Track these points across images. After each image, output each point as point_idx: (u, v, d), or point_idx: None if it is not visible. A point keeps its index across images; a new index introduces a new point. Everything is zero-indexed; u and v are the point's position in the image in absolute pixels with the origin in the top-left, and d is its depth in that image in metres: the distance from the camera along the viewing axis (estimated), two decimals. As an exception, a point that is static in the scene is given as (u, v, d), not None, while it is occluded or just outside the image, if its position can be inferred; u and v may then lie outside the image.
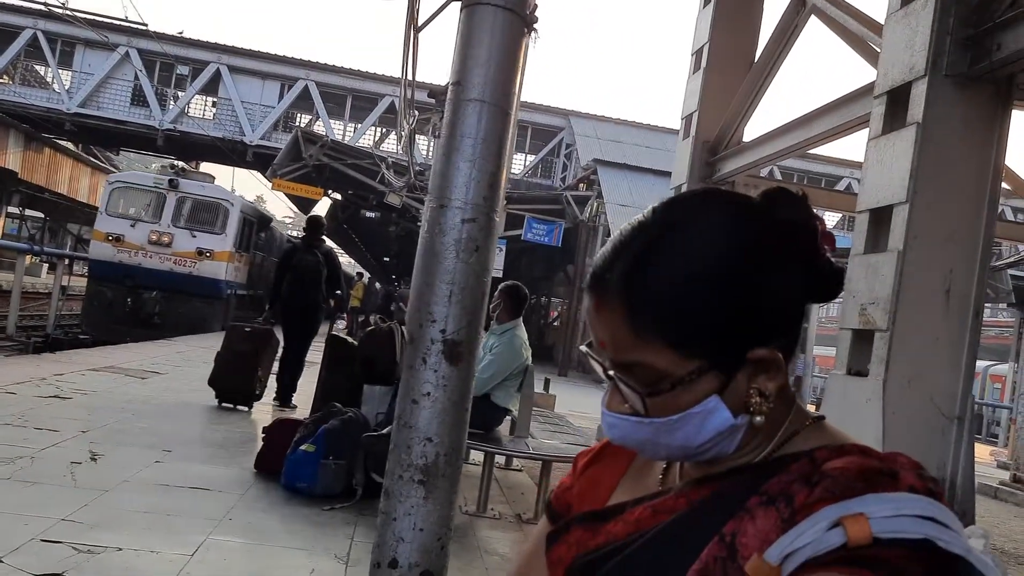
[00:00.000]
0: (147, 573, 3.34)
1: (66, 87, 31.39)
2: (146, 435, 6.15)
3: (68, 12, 19.33)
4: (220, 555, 3.71)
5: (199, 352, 13.26)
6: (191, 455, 5.78)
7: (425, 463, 3.23)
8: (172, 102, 32.05)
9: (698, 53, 8.93)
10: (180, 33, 30.33)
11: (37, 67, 32.95)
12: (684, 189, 9.11)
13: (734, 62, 8.41)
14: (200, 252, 18.09)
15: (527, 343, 5.68)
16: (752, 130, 11.41)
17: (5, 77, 31.65)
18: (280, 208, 76.20)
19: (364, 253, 44.06)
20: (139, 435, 6.12)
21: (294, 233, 44.89)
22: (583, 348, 0.92)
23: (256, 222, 21.66)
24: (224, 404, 8.04)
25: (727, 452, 0.81)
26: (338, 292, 9.25)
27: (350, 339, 7.94)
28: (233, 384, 7.99)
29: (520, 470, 7.05)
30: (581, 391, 17.43)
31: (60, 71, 31.41)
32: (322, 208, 33.49)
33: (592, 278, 0.83)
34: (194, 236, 18.13)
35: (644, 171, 24.77)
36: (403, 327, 7.37)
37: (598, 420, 7.15)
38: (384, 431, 5.20)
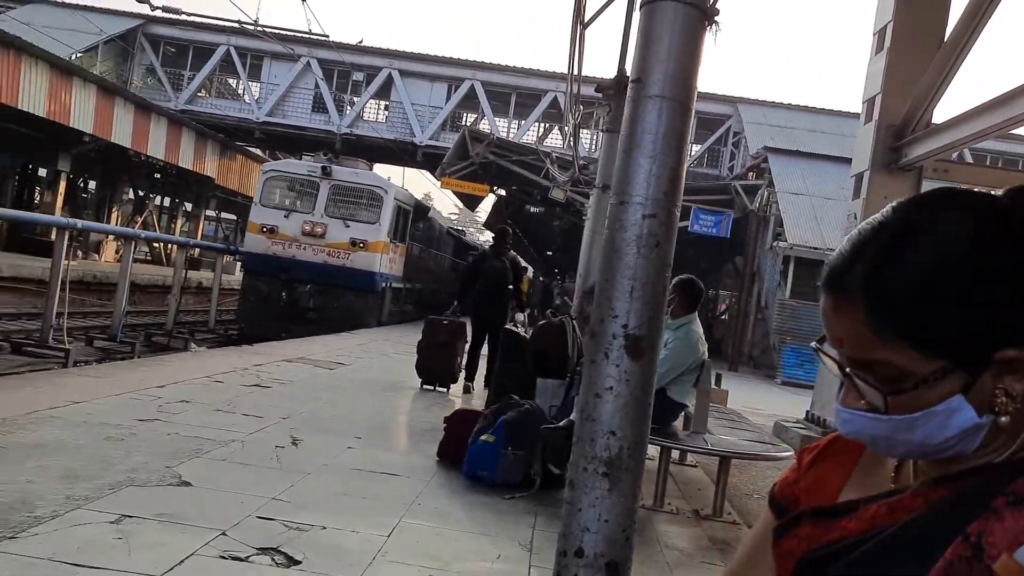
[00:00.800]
0: (351, 550, 3.60)
1: (255, 97, 33.78)
2: (338, 423, 6.57)
3: (259, 28, 20.74)
4: (413, 537, 3.93)
5: (377, 344, 13.95)
6: (379, 442, 6.13)
7: (609, 456, 3.28)
8: (348, 107, 33.76)
9: (881, 32, 8.48)
10: (360, 42, 31.85)
11: (230, 80, 35.60)
12: (866, 176, 8.69)
13: (921, 40, 7.94)
14: (353, 243, 17.15)
15: (703, 338, 5.63)
16: (939, 113, 10.72)
17: (203, 91, 34.39)
18: (446, 205, 78.51)
19: (527, 248, 44.74)
20: (332, 422, 6.54)
21: (454, 225, 46.07)
22: (814, 345, 0.94)
23: (412, 211, 20.51)
24: (426, 386, 9.22)
25: (968, 451, 0.81)
26: (521, 293, 10.69)
27: (522, 333, 8.12)
28: (434, 369, 9.23)
29: (695, 466, 6.98)
30: (753, 387, 16.97)
31: (250, 83, 33.83)
32: (487, 204, 34.32)
33: (829, 276, 0.85)
34: (347, 226, 17.21)
35: (819, 158, 23.74)
36: (573, 320, 7.49)
37: (773, 417, 7.04)
38: (561, 423, 5.31)
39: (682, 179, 3.50)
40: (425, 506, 4.52)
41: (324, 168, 17.48)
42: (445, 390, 9.25)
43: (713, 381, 11.37)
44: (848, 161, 9.97)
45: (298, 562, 3.37)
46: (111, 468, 4.32)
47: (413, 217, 20.69)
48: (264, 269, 17.07)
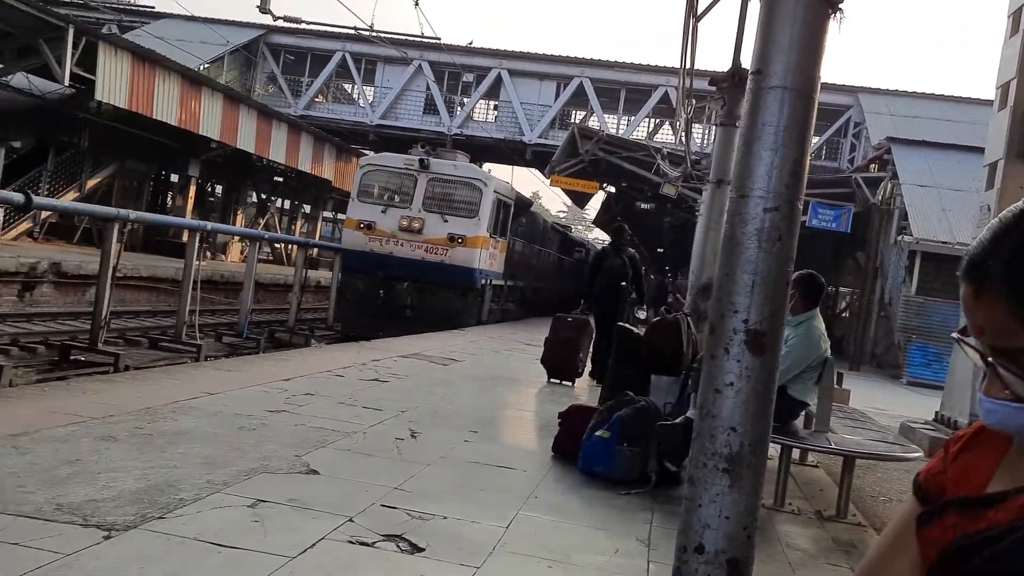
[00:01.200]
0: (471, 540, 3.68)
1: (369, 101, 34.76)
2: (454, 417, 6.71)
3: (373, 34, 21.32)
4: (531, 529, 3.99)
5: (487, 342, 14.13)
6: (494, 436, 6.23)
7: (730, 452, 3.25)
8: (459, 108, 34.28)
9: (1016, 14, 8.02)
10: (470, 43, 32.34)
11: (345, 86, 36.75)
12: (1000, 165, 8.24)
13: (1062, 19, 7.47)
14: (452, 238, 16.44)
15: (825, 334, 5.47)
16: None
17: (320, 96, 35.62)
18: (555, 203, 78.72)
19: (637, 245, 44.37)
20: (448, 416, 6.69)
21: (560, 222, 46.04)
22: (955, 335, 0.93)
23: (513, 205, 19.55)
24: (552, 380, 9.62)
25: None
26: (639, 288, 11.01)
27: (636, 330, 8.08)
28: (559, 364, 9.63)
29: (816, 466, 6.80)
30: (877, 386, 16.34)
31: (364, 87, 34.84)
32: (596, 202, 34.22)
33: (969, 265, 0.84)
34: (445, 220, 16.54)
35: (947, 147, 22.60)
36: (688, 317, 7.41)
37: (899, 418, 6.77)
38: (677, 420, 5.27)
39: (805, 171, 3.43)
40: (542, 499, 4.57)
41: (421, 161, 16.82)
42: (571, 384, 9.63)
43: (834, 380, 11.04)
44: (979, 150, 9.49)
45: (421, 549, 3.48)
46: (245, 455, 4.56)
47: (514, 211, 19.82)
48: (361, 266, 16.64)
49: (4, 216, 19.73)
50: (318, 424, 5.62)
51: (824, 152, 31.56)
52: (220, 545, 3.21)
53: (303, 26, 24.40)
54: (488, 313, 18.16)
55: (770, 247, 3.31)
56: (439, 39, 22.19)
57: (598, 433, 5.31)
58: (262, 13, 20.50)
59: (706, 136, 28.51)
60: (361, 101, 35.47)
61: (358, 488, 4.27)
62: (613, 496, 4.86)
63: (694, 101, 12.18)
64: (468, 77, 33.80)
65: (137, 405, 5.44)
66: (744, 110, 3.45)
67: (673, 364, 6.83)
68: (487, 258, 17.22)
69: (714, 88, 9.60)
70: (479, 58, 33.75)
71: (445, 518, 3.94)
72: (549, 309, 24.96)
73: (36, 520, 3.19)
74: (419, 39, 22.66)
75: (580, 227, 70.99)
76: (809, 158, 3.59)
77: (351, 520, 3.72)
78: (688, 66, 11.07)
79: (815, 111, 3.46)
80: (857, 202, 20.73)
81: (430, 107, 33.93)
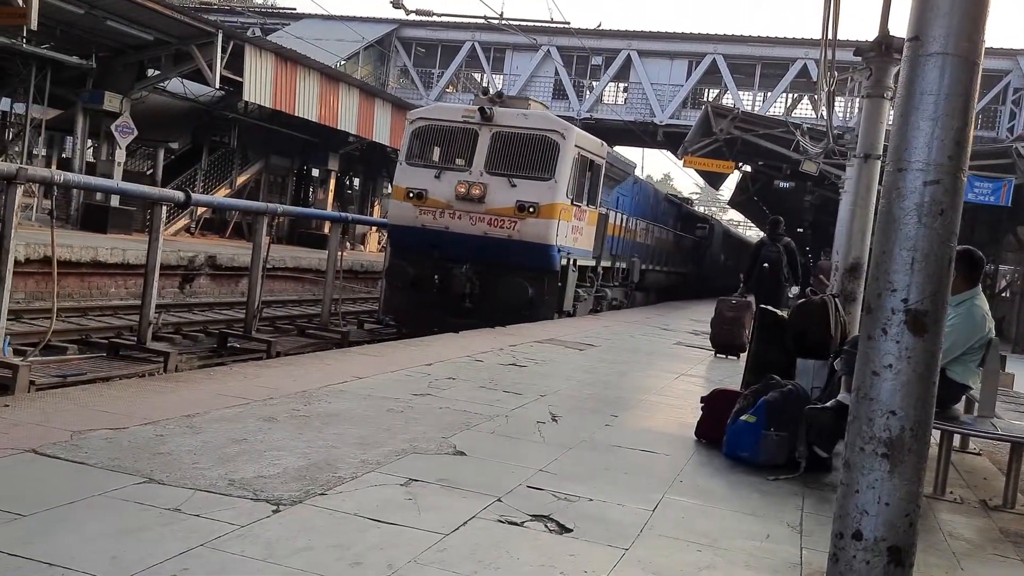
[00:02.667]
0: (618, 522, 3.70)
1: (498, 89, 35.08)
2: (592, 401, 6.73)
3: (503, 22, 21.51)
4: (678, 512, 3.97)
5: (624, 327, 14.06)
6: (634, 420, 6.21)
7: (889, 436, 3.13)
8: (588, 92, 34.14)
9: None
10: (598, 26, 32.16)
11: (474, 75, 37.27)
12: None
13: None
14: (521, 207, 13.05)
15: (989, 314, 5.15)
16: None
17: (451, 87, 36.29)
18: (687, 184, 77.21)
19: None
20: (587, 400, 6.72)
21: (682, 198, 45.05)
22: None
23: (605, 166, 15.73)
24: (719, 355, 10.90)
25: None
26: (794, 273, 12.55)
27: (779, 312, 7.85)
28: (725, 341, 10.94)
29: (979, 453, 6.43)
30: (1042, 370, 15.22)
31: (493, 76, 35.20)
32: (731, 182, 33.33)
33: None
34: (513, 185, 13.16)
35: (1122, 110, 20.70)
36: (835, 299, 7.13)
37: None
38: (827, 404, 5.10)
39: (968, 142, 3.25)
40: (687, 483, 4.53)
41: (483, 111, 13.42)
42: (736, 358, 10.41)
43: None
44: None
45: (569, 530, 3.52)
46: (395, 437, 4.73)
47: (608, 174, 16.33)
48: (412, 245, 13.59)
49: (166, 213, 21.19)
50: (461, 407, 5.77)
51: (981, 121, 29.57)
52: (378, 521, 3.35)
53: (434, 19, 24.90)
54: (574, 300, 14.77)
55: (931, 222, 3.15)
56: (568, 23, 22.15)
57: (744, 417, 5.21)
58: (395, 8, 21.05)
59: (848, 109, 27.25)
60: (491, 90, 35.93)
61: (504, 469, 4.37)
62: (760, 481, 4.76)
63: (836, 73, 11.67)
64: (597, 60, 33.62)
65: (293, 388, 5.74)
66: (901, 80, 3.28)
67: (820, 347, 6.59)
68: (569, 232, 13.84)
69: (859, 58, 9.17)
70: (608, 40, 33.49)
71: (591, 500, 3.97)
72: (664, 295, 23.88)
73: (212, 494, 3.43)
74: (548, 24, 22.70)
75: (714, 208, 69.38)
76: (973, 127, 3.39)
77: (499, 500, 3.80)
78: (831, 36, 10.61)
79: (979, 77, 3.25)
80: (1018, 174, 19.30)
81: (559, 92, 33.96)
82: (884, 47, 7.82)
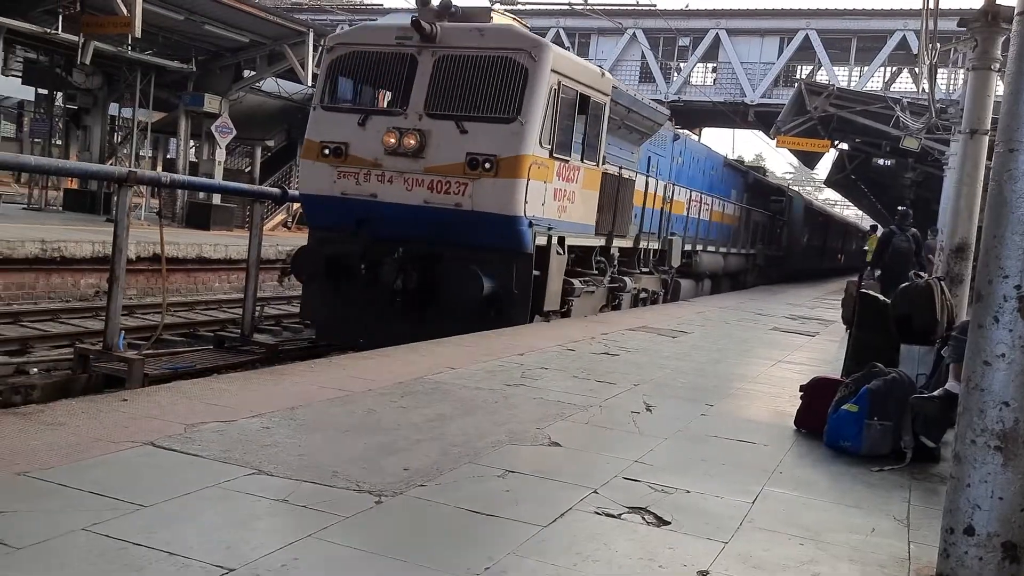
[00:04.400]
0: (717, 514, 3.67)
1: (584, 75, 34.82)
2: (687, 390, 6.66)
3: (588, 7, 21.36)
4: (779, 505, 3.90)
5: (718, 312, 13.83)
6: (730, 409, 6.12)
7: (1002, 429, 3.01)
8: (675, 74, 33.59)
9: None
10: (686, 6, 31.60)
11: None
12: None
13: None
14: (474, 162, 9.18)
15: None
16: None
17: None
18: (780, 164, 75.24)
19: (874, 203, 41.42)
20: (681, 389, 6.65)
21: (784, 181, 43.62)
22: None
23: (608, 103, 11.17)
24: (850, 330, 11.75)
25: None
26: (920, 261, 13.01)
27: (881, 296, 7.60)
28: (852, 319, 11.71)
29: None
30: None
31: (579, 61, 34.95)
32: (827, 161, 32.31)
33: None
34: (463, 131, 9.27)
35: None
36: (941, 282, 6.85)
37: None
38: (935, 393, 4.92)
39: (1087, 118, 3.06)
40: (787, 475, 4.45)
41: (420, 27, 9.40)
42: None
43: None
44: None
45: (667, 522, 3.51)
46: (491, 428, 4.80)
47: (624, 120, 12.12)
48: (328, 221, 10.05)
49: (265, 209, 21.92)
50: (555, 398, 5.80)
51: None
52: (478, 512, 3.41)
53: (519, 7, 24.91)
54: (564, 297, 10.56)
55: (1046, 205, 3.00)
56: (654, 5, 21.86)
57: (846, 407, 5.07)
58: (480, -1, 21.11)
59: (951, 82, 26.04)
60: None
61: (599, 460, 4.38)
62: (864, 472, 4.63)
63: (938, 44, 11.18)
64: (684, 41, 33.00)
65: (389, 380, 5.87)
66: (1011, 53, 3.13)
67: (925, 332, 6.36)
68: (548, 197, 9.77)
69: (963, 29, 8.77)
70: (696, 19, 32.84)
71: (688, 492, 3.95)
72: (723, 283, 21.54)
73: (317, 485, 3.55)
74: (634, 7, 22.43)
75: (809, 188, 67.42)
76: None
77: (595, 492, 3.82)
78: (932, 5, 10.17)
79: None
80: None
81: (646, 75, 33.50)
82: (991, 16, 7.45)
